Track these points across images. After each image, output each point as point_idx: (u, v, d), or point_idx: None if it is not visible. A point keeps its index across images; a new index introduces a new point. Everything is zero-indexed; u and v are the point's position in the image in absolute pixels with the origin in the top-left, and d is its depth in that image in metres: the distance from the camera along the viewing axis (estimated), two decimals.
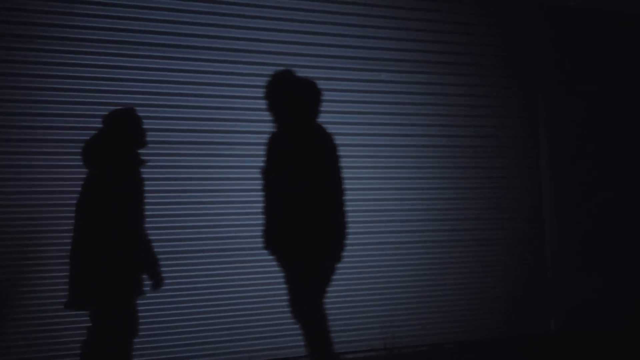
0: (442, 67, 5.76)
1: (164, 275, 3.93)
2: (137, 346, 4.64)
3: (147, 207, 3.87)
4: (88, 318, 3.74)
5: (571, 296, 6.06)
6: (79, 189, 3.77)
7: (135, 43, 4.77)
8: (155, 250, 3.92)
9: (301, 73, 5.13)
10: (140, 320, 4.71)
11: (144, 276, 3.82)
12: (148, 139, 3.88)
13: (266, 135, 3.83)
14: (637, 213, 6.40)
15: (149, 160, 3.89)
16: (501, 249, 5.90)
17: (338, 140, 3.83)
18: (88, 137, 3.86)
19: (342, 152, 3.83)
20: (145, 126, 3.87)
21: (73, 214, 3.74)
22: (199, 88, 4.93)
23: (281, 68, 3.98)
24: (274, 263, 5.03)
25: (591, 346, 5.43)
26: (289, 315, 3.76)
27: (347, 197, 3.79)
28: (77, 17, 4.64)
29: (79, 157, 4.53)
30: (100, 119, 3.85)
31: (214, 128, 4.96)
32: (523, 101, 6.08)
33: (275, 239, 3.74)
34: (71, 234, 3.72)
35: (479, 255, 5.80)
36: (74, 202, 3.79)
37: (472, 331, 5.71)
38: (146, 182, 3.87)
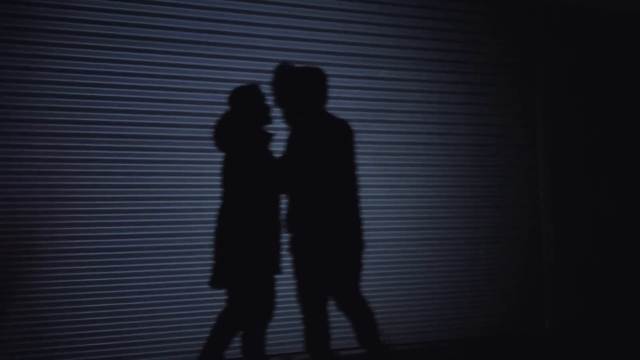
0: (440, 65, 5.75)
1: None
2: (136, 342, 4.70)
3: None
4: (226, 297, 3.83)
5: (566, 295, 6.07)
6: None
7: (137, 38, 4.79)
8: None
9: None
10: (137, 317, 4.75)
11: (278, 256, 3.87)
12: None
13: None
14: (633, 212, 6.41)
15: (275, 135, 3.95)
16: (497, 247, 5.90)
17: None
18: (216, 122, 3.95)
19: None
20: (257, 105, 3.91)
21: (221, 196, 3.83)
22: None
23: (278, 62, 4.03)
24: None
25: (585, 345, 5.44)
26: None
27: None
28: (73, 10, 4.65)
29: (77, 150, 4.56)
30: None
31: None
32: (520, 100, 6.08)
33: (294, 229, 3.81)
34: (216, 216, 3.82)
35: (475, 253, 5.80)
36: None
37: (467, 329, 5.71)
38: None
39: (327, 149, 3.71)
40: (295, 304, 5.04)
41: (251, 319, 3.84)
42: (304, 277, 3.77)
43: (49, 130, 4.53)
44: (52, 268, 4.50)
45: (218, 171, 3.93)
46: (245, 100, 3.89)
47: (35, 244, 4.46)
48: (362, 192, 5.26)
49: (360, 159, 5.33)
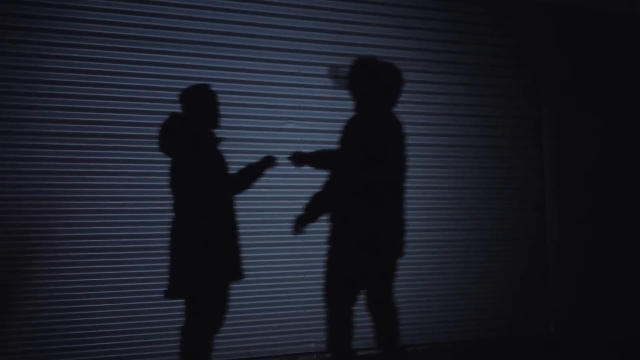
0: (445, 67, 5.76)
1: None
2: (139, 342, 4.71)
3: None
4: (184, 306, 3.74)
5: (571, 297, 6.06)
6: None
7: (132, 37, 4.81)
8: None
9: (304, 70, 5.23)
10: (136, 316, 4.73)
11: (238, 261, 3.76)
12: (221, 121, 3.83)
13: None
14: (638, 214, 6.40)
15: (224, 139, 3.84)
16: (502, 249, 5.90)
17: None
18: (162, 121, 3.80)
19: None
20: (219, 106, 3.81)
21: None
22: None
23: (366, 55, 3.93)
24: (270, 260, 5.06)
25: (591, 347, 5.43)
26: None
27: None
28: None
29: (77, 150, 4.57)
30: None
31: None
32: (526, 102, 6.09)
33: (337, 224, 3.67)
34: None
35: (480, 255, 5.80)
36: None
37: (472, 332, 5.71)
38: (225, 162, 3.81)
39: (378, 150, 3.60)
40: (298, 305, 5.10)
41: (208, 327, 3.71)
42: (336, 276, 3.68)
43: (52, 130, 4.55)
44: (53, 267, 4.51)
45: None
46: (196, 102, 3.73)
47: (37, 243, 4.48)
48: None
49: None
